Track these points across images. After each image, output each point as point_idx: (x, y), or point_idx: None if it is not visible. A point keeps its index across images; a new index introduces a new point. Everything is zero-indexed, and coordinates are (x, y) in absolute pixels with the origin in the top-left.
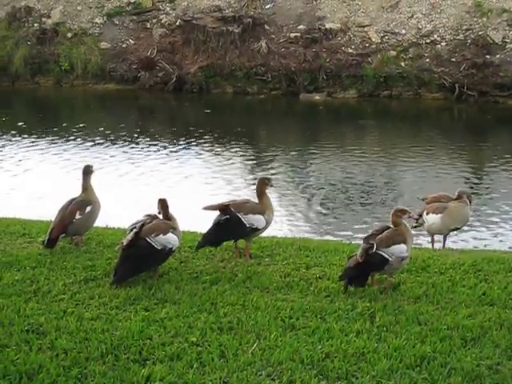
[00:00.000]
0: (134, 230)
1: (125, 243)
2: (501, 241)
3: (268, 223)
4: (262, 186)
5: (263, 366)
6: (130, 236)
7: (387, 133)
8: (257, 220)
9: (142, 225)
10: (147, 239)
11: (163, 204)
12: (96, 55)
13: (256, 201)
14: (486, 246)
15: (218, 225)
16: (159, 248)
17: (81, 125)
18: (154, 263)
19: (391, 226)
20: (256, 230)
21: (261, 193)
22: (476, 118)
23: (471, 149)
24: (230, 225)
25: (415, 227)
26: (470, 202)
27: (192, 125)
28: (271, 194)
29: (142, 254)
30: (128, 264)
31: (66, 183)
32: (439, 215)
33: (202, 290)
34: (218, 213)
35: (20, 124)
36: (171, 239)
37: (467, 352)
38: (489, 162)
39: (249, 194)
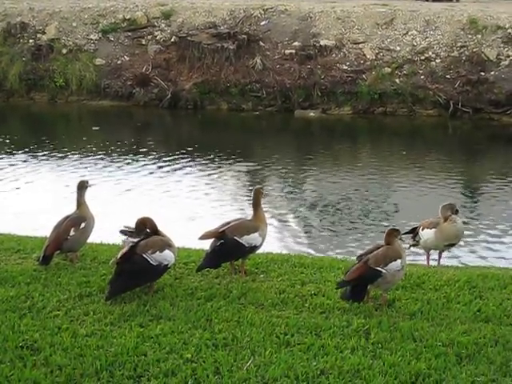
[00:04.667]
0: (130, 244)
1: (119, 256)
2: (482, 257)
3: (263, 239)
4: (258, 195)
5: (258, 382)
6: (124, 250)
7: (382, 150)
8: (253, 239)
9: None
10: (143, 255)
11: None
12: (91, 71)
13: (250, 212)
14: (466, 263)
15: (214, 251)
16: (155, 264)
17: (75, 141)
18: (148, 279)
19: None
20: (253, 249)
21: (256, 203)
22: (471, 135)
23: (466, 166)
24: (228, 249)
25: (413, 245)
26: (457, 212)
27: (187, 141)
28: (266, 210)
29: (136, 270)
30: (122, 279)
31: (60, 198)
32: (433, 230)
33: (197, 306)
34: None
35: (14, 139)
36: (167, 256)
37: (462, 369)
38: (484, 179)
39: (242, 209)
